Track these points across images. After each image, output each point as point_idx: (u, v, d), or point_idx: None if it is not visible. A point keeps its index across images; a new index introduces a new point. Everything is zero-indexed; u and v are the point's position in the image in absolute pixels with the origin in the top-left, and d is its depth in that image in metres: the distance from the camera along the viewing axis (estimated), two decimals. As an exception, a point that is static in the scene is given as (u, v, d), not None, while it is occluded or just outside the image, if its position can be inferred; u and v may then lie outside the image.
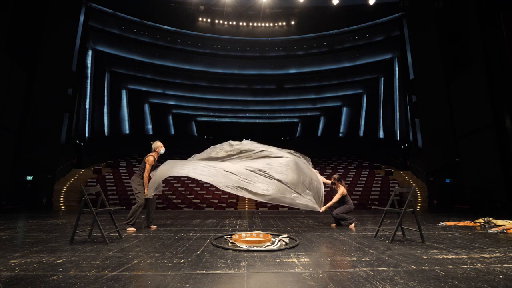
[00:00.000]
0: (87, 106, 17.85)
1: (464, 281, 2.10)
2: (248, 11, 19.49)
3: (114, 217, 4.04)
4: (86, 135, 17.83)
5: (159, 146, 4.91)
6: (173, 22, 19.11)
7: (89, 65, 18.01)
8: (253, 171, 4.30)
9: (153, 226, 5.00)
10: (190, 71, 22.41)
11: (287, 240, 3.58)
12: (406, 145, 17.42)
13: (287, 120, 29.46)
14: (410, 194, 3.73)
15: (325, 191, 5.10)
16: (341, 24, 19.13)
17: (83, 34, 16.04)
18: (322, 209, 4.99)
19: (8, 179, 11.19)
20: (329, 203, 5.31)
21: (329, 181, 5.48)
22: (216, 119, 28.77)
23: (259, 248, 3.19)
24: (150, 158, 4.72)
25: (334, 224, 5.47)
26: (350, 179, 16.26)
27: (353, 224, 5.28)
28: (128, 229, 4.58)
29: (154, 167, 4.85)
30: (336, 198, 5.33)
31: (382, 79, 21.04)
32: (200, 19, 19.77)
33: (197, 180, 15.08)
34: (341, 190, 5.37)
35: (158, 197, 13.29)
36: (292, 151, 5.02)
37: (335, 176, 5.56)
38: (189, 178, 14.81)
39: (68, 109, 14.89)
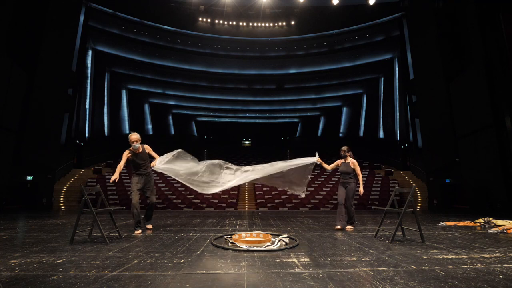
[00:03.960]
0: (87, 106, 17.84)
1: (464, 281, 2.10)
2: (248, 11, 19.48)
3: (114, 217, 4.04)
4: (86, 135, 17.82)
5: (131, 140, 4.50)
6: (173, 22, 19.10)
7: (89, 65, 18.00)
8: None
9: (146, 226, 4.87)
10: (190, 71, 22.40)
11: (287, 240, 3.58)
12: (406, 145, 17.42)
13: (287, 120, 29.46)
14: (410, 194, 3.73)
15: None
16: (341, 24, 19.12)
17: (83, 34, 16.02)
18: (360, 190, 4.85)
19: (8, 179, 11.19)
20: (360, 181, 4.89)
21: (328, 167, 5.05)
22: (216, 119, 28.76)
23: (259, 248, 3.19)
24: (125, 152, 4.55)
25: (339, 226, 4.81)
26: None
27: (351, 227, 4.89)
28: (135, 232, 4.42)
29: (132, 161, 4.56)
30: (359, 173, 4.89)
31: (382, 79, 21.03)
32: (200, 19, 19.76)
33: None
34: (356, 162, 4.94)
35: (158, 197, 13.31)
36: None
37: (345, 148, 5.05)
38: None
39: (68, 109, 14.88)
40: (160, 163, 4.41)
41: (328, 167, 5.10)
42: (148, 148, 4.68)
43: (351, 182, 4.87)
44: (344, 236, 4.24)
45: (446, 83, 13.24)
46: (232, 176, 4.52)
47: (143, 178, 4.55)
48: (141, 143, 4.58)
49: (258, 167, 4.57)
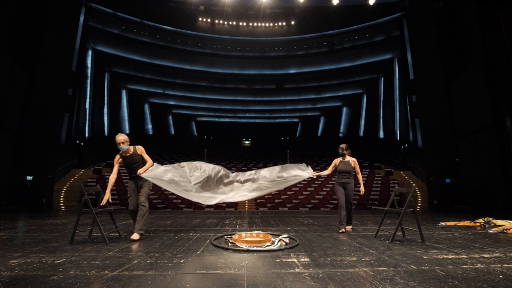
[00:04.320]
0: (87, 106, 17.84)
1: (464, 281, 2.10)
2: (248, 11, 19.49)
3: (114, 217, 4.05)
4: (86, 135, 17.83)
5: (117, 142, 4.05)
6: (173, 22, 19.11)
7: (89, 65, 18.00)
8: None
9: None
10: (190, 71, 22.41)
11: (287, 240, 3.58)
12: (406, 145, 17.42)
13: (287, 120, 29.45)
14: (410, 194, 3.73)
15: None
16: (341, 24, 19.12)
17: (83, 34, 16.03)
18: (362, 189, 4.67)
19: (8, 179, 11.19)
20: (360, 180, 4.75)
21: (327, 172, 4.80)
22: (216, 119, 28.75)
23: (259, 248, 3.19)
24: (116, 157, 4.14)
25: (344, 230, 4.56)
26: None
27: (350, 227, 4.84)
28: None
29: (124, 164, 4.16)
30: (359, 172, 4.76)
31: (382, 79, 21.04)
32: (200, 19, 19.77)
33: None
34: (355, 160, 4.75)
35: (157, 196, 13.31)
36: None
37: (343, 145, 4.76)
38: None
39: (68, 109, 14.89)
40: (150, 172, 4.01)
41: (327, 172, 4.81)
42: (140, 149, 4.19)
43: (351, 182, 4.66)
44: (344, 236, 4.24)
45: (446, 83, 13.24)
46: (227, 193, 4.35)
47: (137, 181, 4.08)
48: (135, 144, 4.26)
49: (255, 180, 4.37)
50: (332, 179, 16.01)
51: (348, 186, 4.63)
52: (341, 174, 4.69)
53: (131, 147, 4.14)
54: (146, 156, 4.20)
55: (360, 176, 4.76)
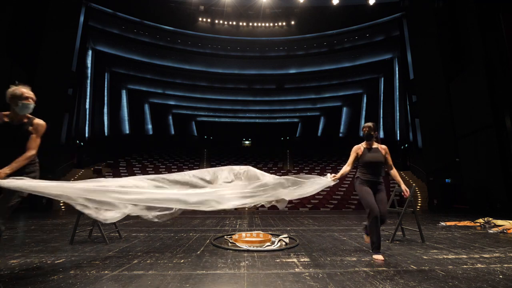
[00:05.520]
0: (87, 106, 17.84)
1: (464, 281, 2.10)
2: (248, 11, 19.50)
3: (114, 217, 4.04)
4: (86, 135, 17.82)
5: (23, 95, 2.47)
6: (173, 22, 19.13)
7: (89, 65, 18.01)
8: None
9: None
10: (190, 71, 22.43)
11: (287, 240, 3.59)
12: (406, 145, 17.43)
13: (287, 120, 29.47)
14: (410, 194, 3.73)
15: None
16: (341, 24, 19.15)
17: (83, 34, 16.03)
18: (404, 189, 3.09)
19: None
20: (398, 176, 3.15)
21: (347, 169, 3.05)
22: (216, 119, 28.77)
23: (259, 248, 3.19)
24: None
25: (382, 257, 2.84)
26: (350, 179, 16.26)
27: (381, 256, 2.93)
28: None
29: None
30: (393, 165, 3.18)
31: (382, 79, 21.05)
32: (200, 19, 19.79)
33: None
34: (386, 148, 3.15)
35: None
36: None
37: (370, 124, 3.08)
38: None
39: (68, 109, 14.88)
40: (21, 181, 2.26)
41: (347, 168, 3.07)
42: (39, 128, 2.50)
43: (383, 182, 3.07)
44: (344, 236, 4.24)
45: (446, 83, 13.26)
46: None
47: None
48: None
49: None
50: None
51: (380, 189, 3.01)
52: (368, 169, 3.02)
53: (30, 118, 2.52)
54: (34, 143, 2.44)
55: (395, 172, 3.15)
